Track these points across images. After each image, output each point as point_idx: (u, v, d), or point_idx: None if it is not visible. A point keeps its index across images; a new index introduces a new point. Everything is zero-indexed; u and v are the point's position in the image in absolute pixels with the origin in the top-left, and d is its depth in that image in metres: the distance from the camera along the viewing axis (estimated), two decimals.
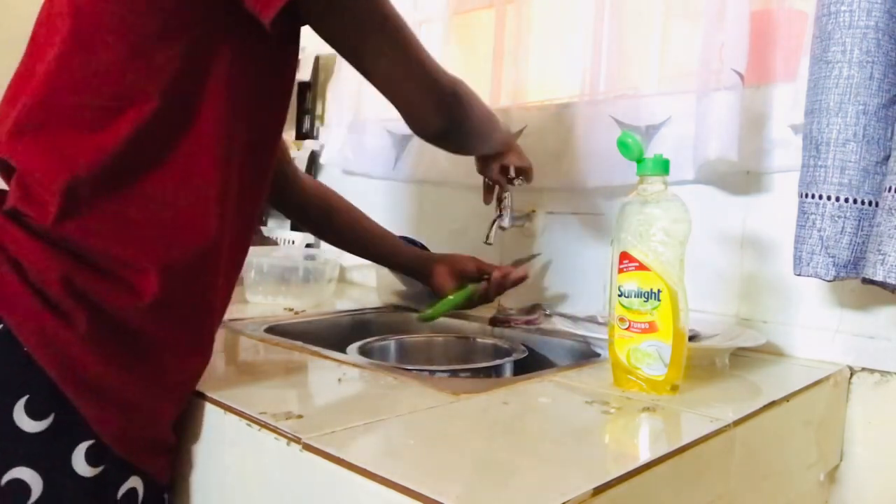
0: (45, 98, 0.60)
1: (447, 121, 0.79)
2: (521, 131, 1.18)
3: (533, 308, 1.15)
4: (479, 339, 1.07)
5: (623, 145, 0.71)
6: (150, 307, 0.60)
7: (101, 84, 0.59)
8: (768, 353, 0.94)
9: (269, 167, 0.73)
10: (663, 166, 0.70)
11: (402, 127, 1.45)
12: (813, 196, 0.80)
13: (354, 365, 0.79)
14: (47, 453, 0.57)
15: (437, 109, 0.77)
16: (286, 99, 0.74)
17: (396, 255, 1.13)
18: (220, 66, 0.62)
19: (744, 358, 0.90)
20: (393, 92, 0.74)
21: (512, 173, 1.04)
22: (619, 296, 0.70)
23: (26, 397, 0.56)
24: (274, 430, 0.56)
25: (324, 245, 1.41)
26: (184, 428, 0.69)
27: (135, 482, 0.62)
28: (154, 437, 0.64)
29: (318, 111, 1.72)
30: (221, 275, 0.67)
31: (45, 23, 0.64)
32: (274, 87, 0.70)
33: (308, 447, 0.52)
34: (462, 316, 1.15)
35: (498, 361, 0.96)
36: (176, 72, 0.60)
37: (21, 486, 0.56)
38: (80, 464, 0.58)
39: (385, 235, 1.13)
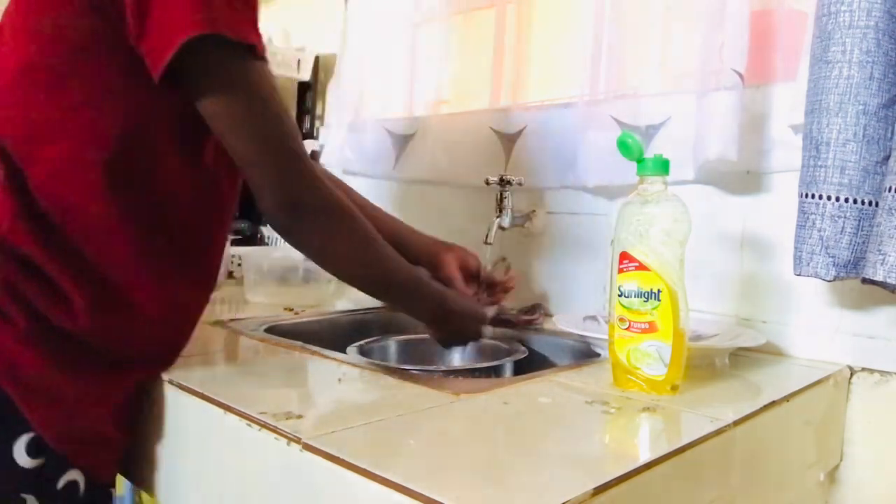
0: None
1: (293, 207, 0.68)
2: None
3: (533, 308, 1.15)
4: (479, 339, 1.07)
5: (623, 145, 0.71)
6: (83, 332, 0.63)
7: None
8: (768, 353, 0.93)
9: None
10: (663, 166, 0.70)
11: (402, 127, 1.46)
12: (813, 196, 0.80)
13: (354, 365, 0.79)
14: None
15: (281, 187, 0.66)
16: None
17: (406, 253, 1.11)
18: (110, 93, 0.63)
19: (744, 358, 0.90)
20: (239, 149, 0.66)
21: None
22: (619, 296, 0.70)
23: None
24: (274, 430, 0.56)
25: None
26: (184, 428, 0.69)
27: (75, 475, 0.65)
28: (92, 433, 0.66)
29: (318, 111, 1.72)
30: (166, 301, 0.68)
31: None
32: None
33: (308, 447, 0.52)
34: None
35: (498, 361, 0.96)
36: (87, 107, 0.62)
37: None
38: (21, 455, 0.61)
39: (394, 232, 1.07)
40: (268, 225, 0.90)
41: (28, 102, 0.62)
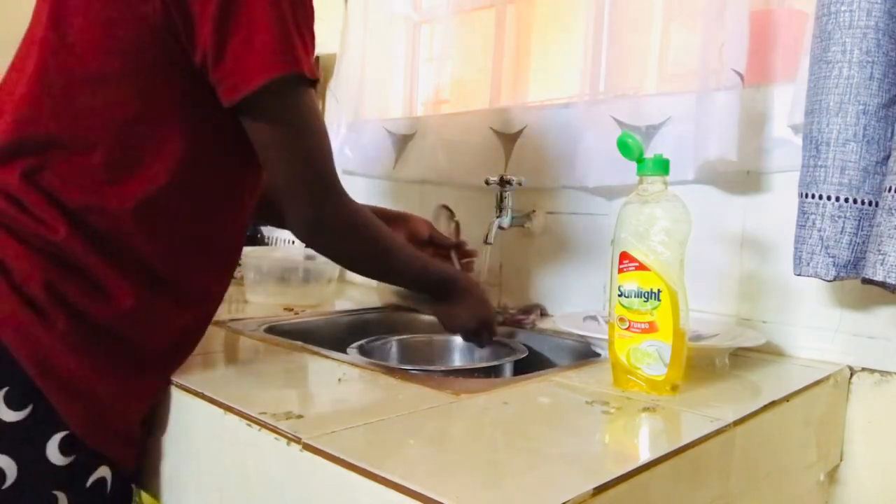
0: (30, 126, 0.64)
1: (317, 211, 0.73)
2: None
3: (529, 308, 1.15)
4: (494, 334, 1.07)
5: (623, 145, 0.71)
6: (122, 320, 0.64)
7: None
8: (768, 353, 0.93)
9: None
10: (663, 166, 0.70)
11: (402, 127, 1.46)
12: (813, 196, 0.80)
13: (354, 365, 0.79)
14: (23, 442, 0.60)
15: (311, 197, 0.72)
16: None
17: None
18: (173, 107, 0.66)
19: (744, 358, 0.90)
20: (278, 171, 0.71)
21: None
22: (619, 296, 0.70)
23: (6, 389, 0.59)
24: (274, 430, 0.56)
25: None
26: (184, 427, 0.69)
27: (104, 472, 0.66)
28: (123, 430, 0.67)
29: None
30: (200, 283, 0.72)
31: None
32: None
33: (308, 447, 0.52)
34: None
35: (498, 361, 0.96)
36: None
37: None
38: (54, 453, 0.62)
39: None
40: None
41: (80, 110, 0.63)
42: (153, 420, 0.72)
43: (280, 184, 0.70)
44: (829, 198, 0.79)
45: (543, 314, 1.19)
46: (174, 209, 0.67)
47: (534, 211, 1.21)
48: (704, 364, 0.83)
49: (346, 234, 0.77)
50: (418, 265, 0.88)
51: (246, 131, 0.67)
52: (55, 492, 0.62)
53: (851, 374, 0.89)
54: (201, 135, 0.67)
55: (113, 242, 0.64)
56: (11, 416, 0.59)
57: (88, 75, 0.63)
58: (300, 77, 0.65)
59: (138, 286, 0.65)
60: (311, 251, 1.46)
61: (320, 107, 1.71)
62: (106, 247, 0.63)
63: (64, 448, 0.62)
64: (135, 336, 0.66)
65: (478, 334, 0.94)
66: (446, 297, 0.92)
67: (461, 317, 0.93)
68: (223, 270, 0.76)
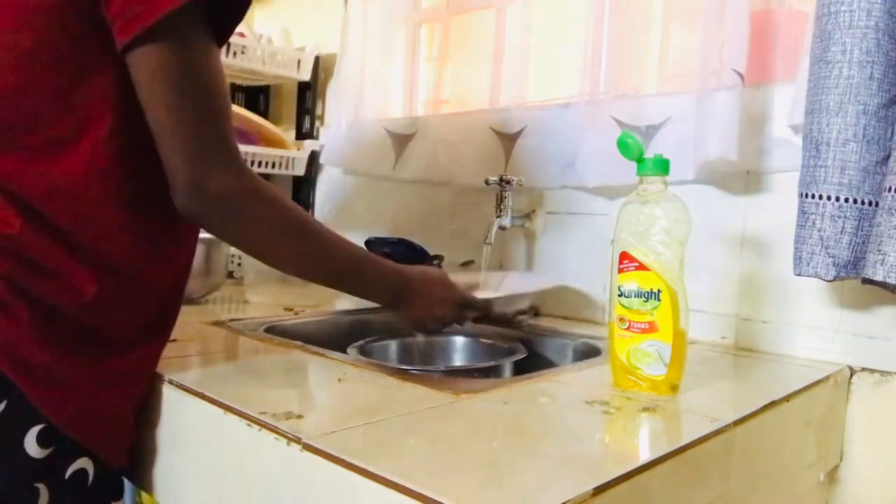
0: None
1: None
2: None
3: (525, 308, 1.15)
4: (479, 339, 1.07)
5: (623, 145, 0.71)
6: (87, 309, 0.63)
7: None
8: (768, 353, 0.94)
9: None
10: (663, 166, 0.70)
11: (402, 127, 1.46)
12: (813, 196, 0.80)
13: (354, 365, 0.79)
14: (1, 437, 0.60)
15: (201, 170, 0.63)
16: None
17: None
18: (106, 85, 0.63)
19: (744, 358, 0.90)
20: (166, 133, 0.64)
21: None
22: (619, 296, 0.70)
23: None
24: (274, 430, 0.56)
25: None
26: (184, 427, 0.69)
27: (84, 463, 0.66)
28: (105, 419, 0.67)
29: (318, 111, 1.72)
30: (162, 271, 0.70)
31: None
32: None
33: (308, 447, 0.52)
34: None
35: (498, 361, 0.96)
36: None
37: None
38: (32, 446, 0.62)
39: None
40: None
41: (19, 91, 0.62)
42: (152, 420, 0.71)
43: (159, 135, 0.62)
44: (829, 198, 0.79)
45: (537, 314, 1.19)
46: (117, 187, 0.64)
47: (534, 211, 1.21)
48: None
49: (242, 204, 0.66)
50: (357, 258, 0.78)
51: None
52: (36, 484, 0.62)
53: (851, 374, 0.89)
54: (132, 102, 0.63)
55: (68, 231, 0.62)
56: None
57: (9, 53, 0.62)
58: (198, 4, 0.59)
59: (98, 274, 0.64)
60: None
61: (320, 107, 1.72)
62: (62, 236, 0.62)
63: (41, 441, 0.62)
64: (100, 323, 0.65)
65: (458, 320, 0.91)
66: (402, 300, 0.84)
67: (433, 316, 0.88)
68: (178, 253, 0.73)
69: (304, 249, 0.72)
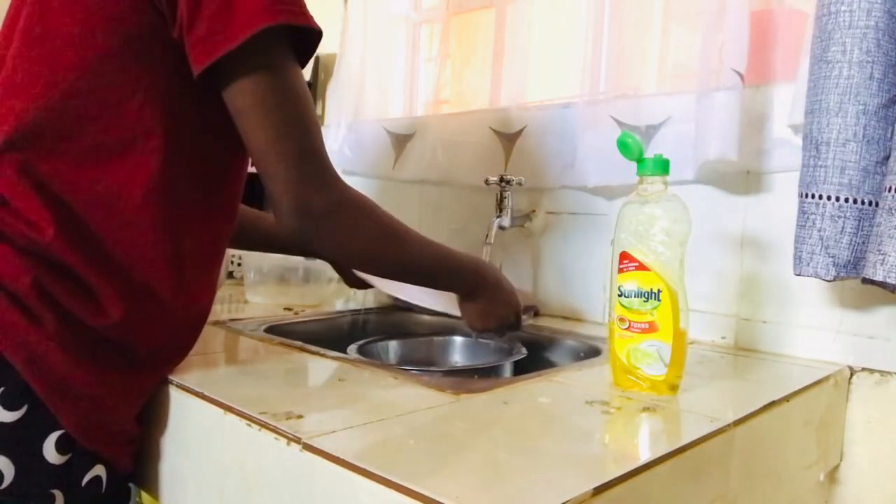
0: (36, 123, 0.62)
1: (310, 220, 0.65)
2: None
3: (525, 308, 1.16)
4: (479, 339, 1.07)
5: (623, 145, 0.71)
6: (112, 327, 0.63)
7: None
8: (768, 353, 0.93)
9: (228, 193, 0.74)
10: (663, 166, 0.70)
11: (402, 127, 1.46)
12: (813, 196, 0.80)
13: (354, 365, 0.79)
14: (20, 442, 0.60)
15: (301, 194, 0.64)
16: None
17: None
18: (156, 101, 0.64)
19: (744, 358, 0.90)
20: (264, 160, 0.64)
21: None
22: (619, 296, 0.70)
23: (1, 389, 0.59)
24: (274, 430, 0.56)
25: None
26: (184, 427, 0.69)
27: (99, 470, 0.66)
28: (118, 429, 0.67)
29: (318, 111, 1.72)
30: (195, 296, 0.71)
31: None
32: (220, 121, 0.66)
33: (308, 447, 0.52)
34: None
35: (498, 361, 0.96)
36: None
37: None
38: (51, 452, 0.62)
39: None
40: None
41: (80, 91, 0.62)
42: (152, 420, 0.71)
43: (261, 159, 0.62)
44: (829, 198, 0.79)
45: (537, 314, 1.19)
46: (157, 206, 0.64)
47: (534, 211, 1.21)
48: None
49: (345, 218, 0.67)
50: (441, 256, 0.81)
51: (228, 109, 0.62)
52: (52, 490, 0.62)
53: (851, 374, 0.89)
54: (184, 122, 0.64)
55: (101, 246, 0.63)
56: (8, 416, 0.59)
57: (70, 60, 0.62)
58: (292, 29, 0.60)
59: (126, 297, 0.64)
60: None
61: (320, 107, 1.72)
62: (93, 250, 0.62)
63: (60, 447, 0.62)
64: (126, 340, 0.65)
65: (511, 328, 0.92)
66: (475, 293, 0.86)
67: (496, 315, 0.88)
68: (210, 279, 0.74)
69: (399, 255, 0.76)
